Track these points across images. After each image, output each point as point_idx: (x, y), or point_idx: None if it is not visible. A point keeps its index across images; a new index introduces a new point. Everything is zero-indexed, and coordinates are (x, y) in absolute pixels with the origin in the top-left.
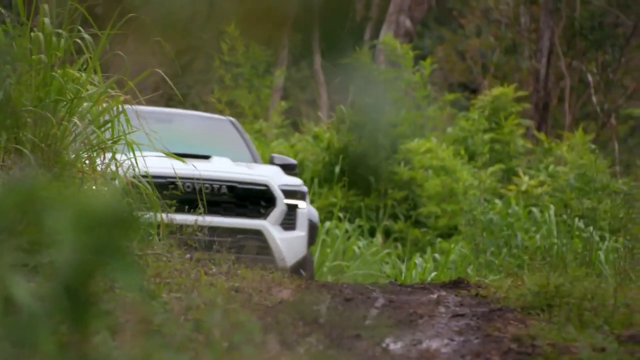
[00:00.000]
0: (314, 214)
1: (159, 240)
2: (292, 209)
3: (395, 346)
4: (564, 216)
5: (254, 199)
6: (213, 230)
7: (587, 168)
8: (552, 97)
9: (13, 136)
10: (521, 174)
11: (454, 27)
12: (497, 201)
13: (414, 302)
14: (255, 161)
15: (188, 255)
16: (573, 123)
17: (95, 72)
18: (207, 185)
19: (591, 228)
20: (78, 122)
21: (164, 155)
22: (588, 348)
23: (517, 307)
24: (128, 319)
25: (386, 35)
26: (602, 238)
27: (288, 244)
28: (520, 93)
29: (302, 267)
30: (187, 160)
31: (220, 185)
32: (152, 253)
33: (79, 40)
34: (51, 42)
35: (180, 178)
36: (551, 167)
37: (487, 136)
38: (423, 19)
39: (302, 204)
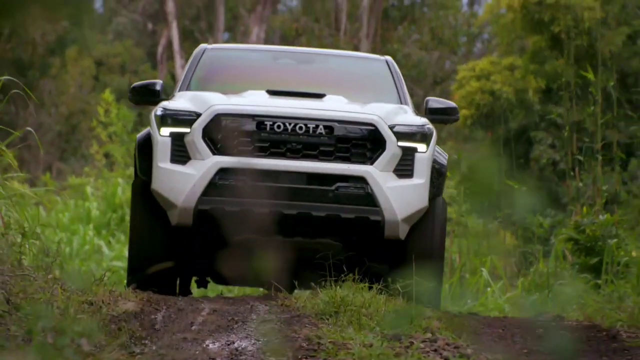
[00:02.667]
0: (442, 159)
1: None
2: (409, 152)
3: (213, 346)
4: None
5: (359, 141)
6: (308, 177)
7: None
8: None
9: None
10: None
11: None
12: None
13: (233, 310)
14: (403, 104)
15: (50, 275)
16: None
17: None
18: (300, 125)
19: None
20: None
21: (265, 94)
22: (360, 344)
23: (311, 314)
24: None
25: None
26: None
27: (399, 194)
28: None
29: (425, 222)
30: (298, 99)
31: (317, 125)
32: (20, 274)
33: None
34: None
35: (266, 117)
36: None
37: None
38: None
39: (421, 147)
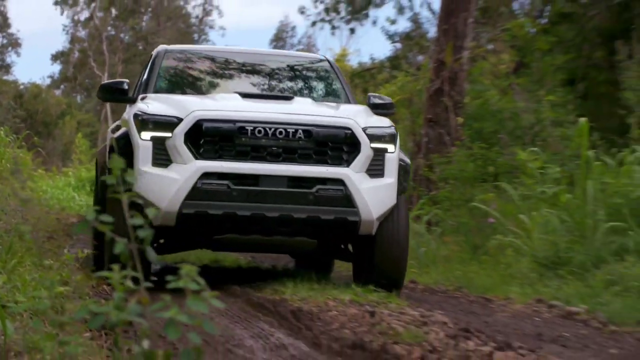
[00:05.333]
0: (405, 157)
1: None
2: (379, 153)
3: None
4: None
5: (335, 144)
6: (289, 180)
7: None
8: None
9: None
10: None
11: None
12: None
13: None
14: (349, 102)
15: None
16: None
17: None
18: (280, 130)
19: None
20: None
21: (238, 97)
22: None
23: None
24: None
25: None
26: None
27: (374, 194)
28: None
29: (392, 217)
30: (267, 101)
31: (296, 130)
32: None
33: None
34: None
35: (247, 122)
36: None
37: None
38: None
39: (390, 147)
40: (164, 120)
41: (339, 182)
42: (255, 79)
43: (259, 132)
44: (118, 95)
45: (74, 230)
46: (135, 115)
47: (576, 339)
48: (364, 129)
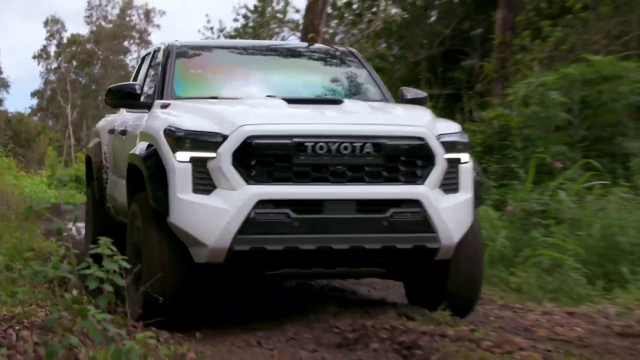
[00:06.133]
0: (476, 166)
1: None
2: (453, 164)
3: None
4: None
5: (408, 158)
6: (358, 204)
7: None
8: None
9: None
10: None
11: None
12: None
13: None
14: (387, 100)
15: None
16: None
17: None
18: (345, 144)
19: None
20: None
21: (285, 104)
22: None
23: None
24: None
25: None
26: None
27: (453, 214)
28: None
29: (467, 234)
30: (316, 107)
31: (364, 144)
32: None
33: None
34: None
35: (307, 137)
36: None
37: None
38: None
39: (464, 157)
40: (205, 137)
41: (415, 203)
42: (286, 77)
43: (321, 148)
44: (129, 100)
45: (24, 211)
46: (168, 132)
47: None
48: (438, 138)
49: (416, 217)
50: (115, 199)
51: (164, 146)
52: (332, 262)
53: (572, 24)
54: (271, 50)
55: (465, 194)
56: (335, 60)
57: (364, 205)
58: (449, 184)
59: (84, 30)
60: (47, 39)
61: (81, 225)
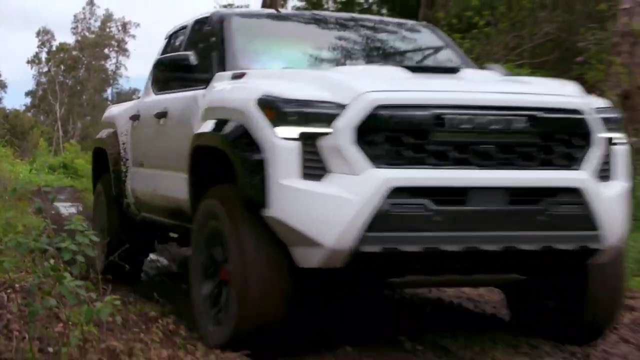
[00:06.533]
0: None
1: None
2: (608, 146)
3: None
4: None
5: (563, 137)
6: (510, 194)
7: None
8: None
9: None
10: None
11: None
12: None
13: None
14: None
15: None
16: None
17: None
18: (495, 118)
19: None
20: None
21: (408, 72)
22: None
23: None
24: None
25: None
26: None
27: (616, 207)
28: None
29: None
30: (438, 76)
31: (517, 116)
32: None
33: None
34: None
35: (449, 107)
36: None
37: None
38: None
39: (619, 137)
40: (316, 108)
41: (575, 192)
42: (378, 49)
43: (466, 121)
44: (182, 74)
45: (10, 193)
46: (265, 102)
47: None
48: (596, 112)
49: (577, 211)
50: (144, 193)
51: (258, 120)
52: (472, 267)
53: (478, 37)
54: (337, 22)
55: (622, 182)
56: (415, 32)
57: (517, 195)
58: (605, 170)
59: (70, 39)
60: (39, 46)
61: (61, 204)
